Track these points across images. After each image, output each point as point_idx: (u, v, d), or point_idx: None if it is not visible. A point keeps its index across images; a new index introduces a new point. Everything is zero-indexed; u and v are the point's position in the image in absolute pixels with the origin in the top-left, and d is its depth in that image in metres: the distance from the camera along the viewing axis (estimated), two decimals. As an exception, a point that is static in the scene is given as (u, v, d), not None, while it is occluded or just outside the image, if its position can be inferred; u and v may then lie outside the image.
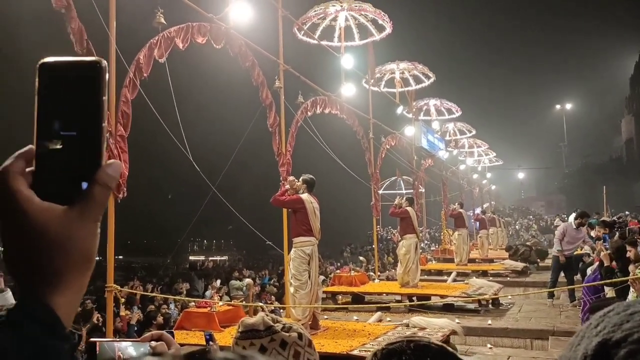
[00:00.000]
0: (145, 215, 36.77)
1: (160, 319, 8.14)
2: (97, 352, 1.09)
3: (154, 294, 9.10)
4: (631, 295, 5.00)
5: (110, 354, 1.09)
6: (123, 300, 7.31)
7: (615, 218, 11.00)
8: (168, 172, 32.89)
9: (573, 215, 13.41)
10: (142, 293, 9.19)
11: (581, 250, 10.58)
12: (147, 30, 5.80)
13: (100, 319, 7.17)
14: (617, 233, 8.08)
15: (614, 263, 5.73)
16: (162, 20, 5.65)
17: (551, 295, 9.14)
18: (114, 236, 5.05)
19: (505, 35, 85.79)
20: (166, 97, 6.30)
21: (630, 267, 5.31)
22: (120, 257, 26.79)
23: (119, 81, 5.21)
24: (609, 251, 5.82)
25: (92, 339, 1.14)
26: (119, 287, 5.27)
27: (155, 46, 5.54)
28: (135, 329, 7.69)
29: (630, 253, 5.36)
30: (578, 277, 9.67)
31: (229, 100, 29.00)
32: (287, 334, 1.41)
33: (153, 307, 8.71)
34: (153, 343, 1.07)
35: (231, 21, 6.81)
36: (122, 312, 7.58)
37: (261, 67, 7.62)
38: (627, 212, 21.84)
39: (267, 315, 1.45)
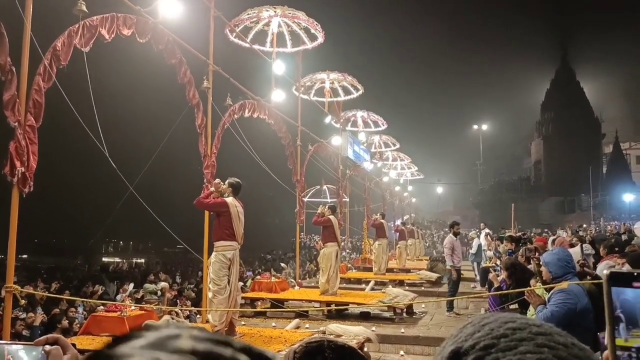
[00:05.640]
0: (57, 213, 34.59)
1: (65, 322, 7.65)
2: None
3: (59, 296, 8.52)
4: (531, 307, 5.34)
5: None
6: (23, 302, 6.79)
7: (520, 234, 11.78)
8: (84, 168, 31.19)
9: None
10: (43, 294, 8.59)
11: (489, 262, 11.20)
12: (69, 17, 5.49)
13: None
14: (521, 248, 8.64)
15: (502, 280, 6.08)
16: (84, 8, 5.37)
17: (450, 307, 9.37)
18: (16, 233, 4.69)
19: (432, 54, 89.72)
20: (88, 90, 5.98)
21: (532, 282, 5.68)
22: (25, 256, 24.99)
23: (32, 68, 4.88)
24: (496, 272, 6.23)
25: (-23, 341, 1.05)
26: (19, 288, 4.90)
27: (75, 34, 5.25)
28: (39, 332, 7.18)
29: (531, 267, 5.76)
30: (485, 288, 10.19)
31: (156, 97, 28.07)
32: None
33: (58, 310, 8.16)
34: (47, 347, 1.00)
35: (160, 15, 6.61)
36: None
37: (190, 66, 7.45)
38: (533, 229, 23.42)
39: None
